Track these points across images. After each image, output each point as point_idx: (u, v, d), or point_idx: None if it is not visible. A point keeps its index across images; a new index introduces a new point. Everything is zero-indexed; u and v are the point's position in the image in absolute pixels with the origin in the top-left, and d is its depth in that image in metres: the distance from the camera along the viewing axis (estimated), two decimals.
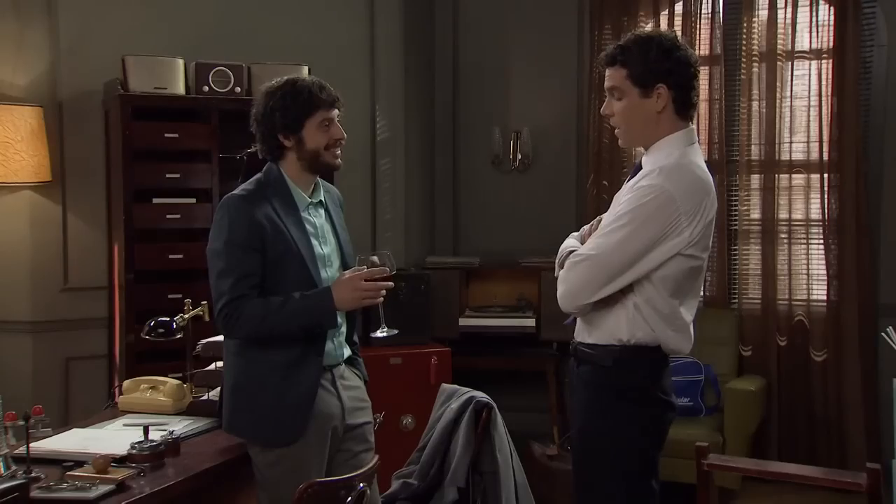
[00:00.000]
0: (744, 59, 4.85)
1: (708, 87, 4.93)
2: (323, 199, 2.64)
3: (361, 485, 2.19)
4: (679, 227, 2.22)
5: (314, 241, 2.54)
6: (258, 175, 2.57)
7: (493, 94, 5.44)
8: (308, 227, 2.54)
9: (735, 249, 4.96)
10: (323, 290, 2.45)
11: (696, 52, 4.91)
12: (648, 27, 5.04)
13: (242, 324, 2.42)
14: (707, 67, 4.94)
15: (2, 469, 2.13)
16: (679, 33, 4.87)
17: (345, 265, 2.63)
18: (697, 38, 4.94)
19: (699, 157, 2.35)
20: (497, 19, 5.41)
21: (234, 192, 2.51)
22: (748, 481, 4.33)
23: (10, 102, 4.04)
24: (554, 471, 4.11)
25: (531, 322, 4.91)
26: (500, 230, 5.40)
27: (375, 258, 2.51)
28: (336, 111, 2.55)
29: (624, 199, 2.31)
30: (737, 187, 4.93)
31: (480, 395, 3.02)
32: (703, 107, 4.94)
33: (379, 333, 2.61)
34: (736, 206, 4.95)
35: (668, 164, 2.28)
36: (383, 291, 2.48)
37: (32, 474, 2.14)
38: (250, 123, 2.56)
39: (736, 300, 4.96)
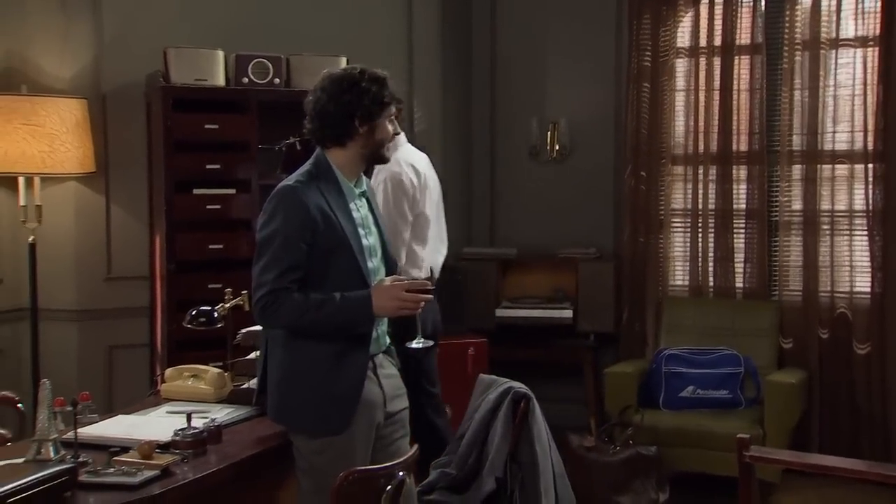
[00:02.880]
0: (786, 48, 4.77)
1: (749, 76, 4.85)
2: (365, 190, 2.65)
3: (401, 473, 2.20)
4: None
5: (361, 232, 2.55)
6: (307, 166, 2.55)
7: (530, 85, 5.42)
8: (356, 217, 2.55)
9: (776, 240, 4.89)
10: (363, 295, 2.45)
11: (737, 41, 4.86)
12: (688, 17, 4.98)
13: (280, 315, 2.42)
14: (748, 57, 4.86)
15: (52, 453, 2.17)
16: (721, 21, 4.88)
17: (386, 256, 2.64)
18: (738, 26, 4.86)
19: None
20: (535, 9, 5.38)
21: (288, 181, 2.50)
22: (788, 474, 4.28)
23: (56, 95, 4.12)
24: (591, 462, 4.10)
25: (568, 313, 4.90)
26: (538, 221, 5.38)
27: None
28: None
29: None
30: (777, 178, 4.86)
31: (518, 385, 3.02)
32: (743, 96, 4.88)
33: (414, 344, 2.66)
34: (777, 196, 4.87)
35: None
36: (422, 303, 2.50)
37: (80, 459, 2.18)
38: (313, 105, 2.52)
39: (776, 292, 4.89)
